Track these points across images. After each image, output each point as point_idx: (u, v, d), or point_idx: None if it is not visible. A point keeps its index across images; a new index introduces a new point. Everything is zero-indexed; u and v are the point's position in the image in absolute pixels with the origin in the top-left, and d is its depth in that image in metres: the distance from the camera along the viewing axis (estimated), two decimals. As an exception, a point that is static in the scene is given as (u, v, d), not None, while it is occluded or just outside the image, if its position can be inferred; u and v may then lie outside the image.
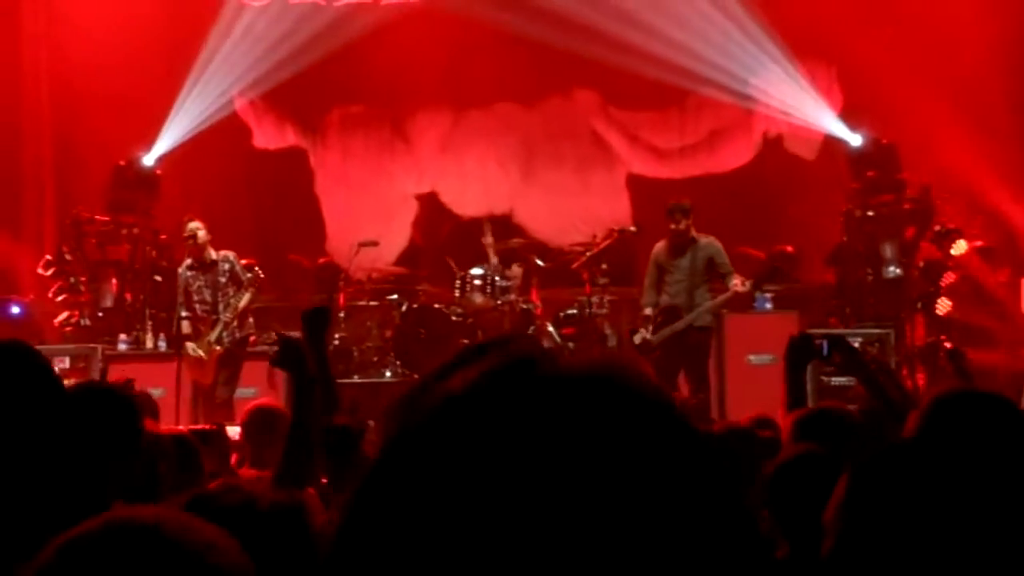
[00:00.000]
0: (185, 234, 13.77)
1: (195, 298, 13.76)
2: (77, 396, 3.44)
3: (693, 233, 13.54)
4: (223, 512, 2.05)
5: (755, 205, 17.75)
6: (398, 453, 1.09)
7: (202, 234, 13.72)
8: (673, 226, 13.52)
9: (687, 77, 17.60)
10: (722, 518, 1.07)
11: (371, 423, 6.74)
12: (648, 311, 13.66)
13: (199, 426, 7.67)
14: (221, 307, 13.69)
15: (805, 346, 5.83)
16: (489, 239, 16.08)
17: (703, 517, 1.06)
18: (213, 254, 13.79)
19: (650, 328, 13.51)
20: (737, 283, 13.23)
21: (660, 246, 13.74)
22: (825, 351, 5.78)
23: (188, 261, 13.85)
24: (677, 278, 13.48)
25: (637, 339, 13.59)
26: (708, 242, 13.56)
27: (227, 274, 13.75)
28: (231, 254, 13.95)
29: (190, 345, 13.73)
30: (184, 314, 13.83)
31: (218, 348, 13.63)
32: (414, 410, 1.10)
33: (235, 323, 13.71)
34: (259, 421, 7.36)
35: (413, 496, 1.05)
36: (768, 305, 15.25)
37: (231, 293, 13.71)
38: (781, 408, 5.90)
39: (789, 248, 16.93)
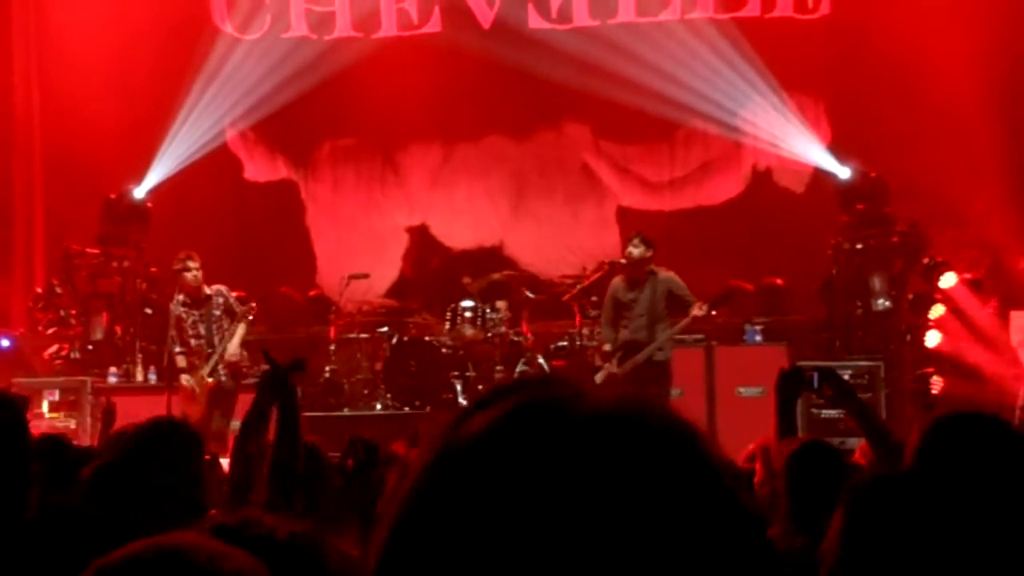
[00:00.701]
0: (177, 266, 13.70)
1: (189, 332, 13.69)
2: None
3: (652, 267, 13.41)
4: (243, 543, 2.06)
5: (744, 237, 17.78)
6: (423, 496, 1.09)
7: (195, 269, 13.61)
8: (629, 249, 13.42)
9: (677, 110, 17.66)
10: (749, 556, 1.08)
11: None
12: (607, 347, 13.58)
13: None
14: (217, 340, 13.64)
15: (796, 378, 5.85)
16: (467, 279, 16.13)
17: (730, 554, 1.06)
18: (207, 289, 13.74)
19: (614, 362, 13.40)
20: (695, 309, 13.15)
21: (617, 281, 13.56)
22: (816, 383, 5.79)
23: (180, 297, 13.73)
24: (638, 312, 13.30)
25: (599, 377, 13.46)
26: (667, 276, 13.41)
27: (221, 307, 13.71)
28: (223, 288, 13.91)
29: (184, 377, 13.67)
30: (178, 349, 13.75)
31: (210, 380, 13.58)
32: (438, 449, 1.11)
33: (230, 357, 13.63)
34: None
35: (439, 541, 1.06)
36: (758, 338, 15.28)
37: (225, 326, 13.68)
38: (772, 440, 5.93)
39: (779, 280, 16.97)
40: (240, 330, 13.65)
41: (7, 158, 18.72)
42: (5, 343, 16.34)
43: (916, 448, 3.39)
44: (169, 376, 13.93)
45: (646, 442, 1.08)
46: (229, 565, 1.59)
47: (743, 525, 1.08)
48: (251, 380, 14.29)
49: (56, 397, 14.59)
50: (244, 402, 13.90)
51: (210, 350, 13.65)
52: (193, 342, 13.69)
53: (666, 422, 1.11)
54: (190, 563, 1.57)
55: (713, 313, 13.31)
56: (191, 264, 13.58)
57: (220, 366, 13.59)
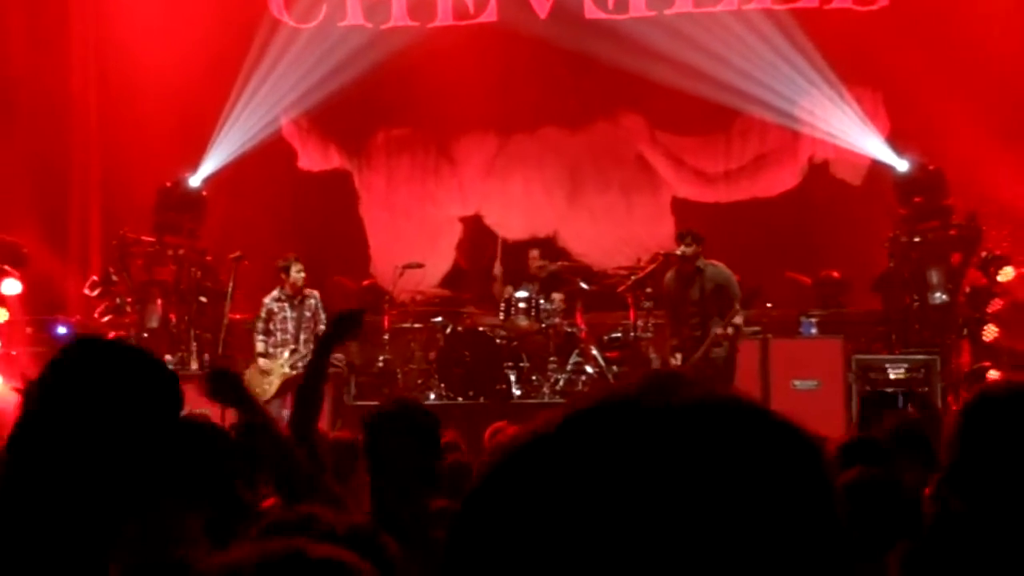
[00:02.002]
0: (282, 264, 14.14)
1: (279, 326, 14.18)
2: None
3: (700, 262, 13.30)
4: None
5: (801, 230, 17.67)
6: (493, 496, 1.08)
7: (301, 273, 14.17)
8: (682, 248, 13.34)
9: (733, 101, 17.59)
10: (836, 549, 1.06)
11: None
12: (674, 341, 13.52)
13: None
14: (302, 338, 14.03)
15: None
16: (535, 251, 16.15)
17: (820, 547, 1.05)
18: (304, 291, 14.24)
19: (678, 358, 13.34)
20: (719, 329, 13.03)
21: (669, 277, 13.53)
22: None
23: (276, 293, 14.23)
24: (691, 311, 13.27)
25: (676, 361, 13.48)
26: (715, 271, 13.29)
27: (312, 310, 14.18)
28: (316, 293, 14.41)
29: (263, 361, 14.06)
30: (261, 337, 14.21)
31: (290, 372, 13.78)
32: (504, 449, 1.10)
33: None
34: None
35: (508, 543, 1.05)
36: (813, 330, 15.19)
37: (311, 328, 14.09)
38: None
39: (835, 273, 16.84)
40: None
41: (65, 147, 18.86)
42: (62, 330, 16.46)
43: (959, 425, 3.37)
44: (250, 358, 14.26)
45: (732, 433, 1.07)
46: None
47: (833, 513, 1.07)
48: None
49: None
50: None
51: (294, 346, 14.04)
52: (279, 335, 14.13)
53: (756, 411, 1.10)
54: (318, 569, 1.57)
55: (739, 323, 13.15)
56: (298, 265, 14.15)
57: (300, 362, 13.81)
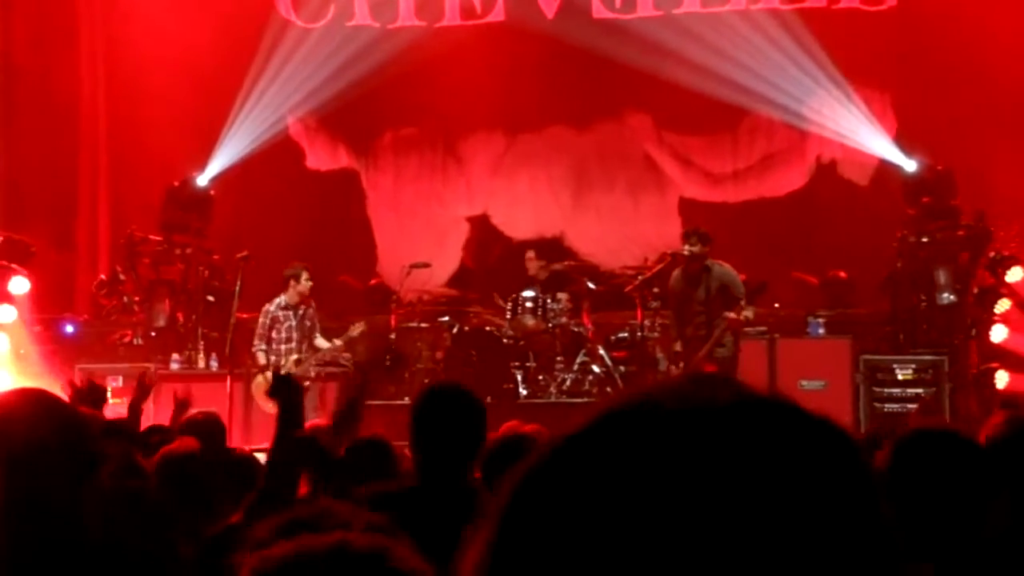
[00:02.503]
0: (289, 273, 14.16)
1: (282, 335, 14.15)
2: None
3: (707, 261, 13.25)
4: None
5: (808, 230, 17.65)
6: (525, 499, 1.07)
7: (309, 282, 14.19)
8: (687, 247, 13.31)
9: (741, 101, 17.57)
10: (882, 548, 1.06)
11: None
12: (678, 347, 13.48)
13: (260, 447, 7.66)
14: (304, 346, 14.11)
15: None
16: (530, 252, 16.13)
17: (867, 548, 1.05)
18: (308, 301, 14.28)
19: (680, 365, 13.30)
20: (731, 313, 12.97)
21: (676, 276, 13.46)
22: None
23: (280, 301, 14.19)
24: (696, 310, 13.23)
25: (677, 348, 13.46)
26: (722, 271, 13.23)
27: (311, 318, 14.22)
28: (312, 302, 14.38)
29: (261, 377, 13.97)
30: (263, 346, 14.17)
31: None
32: (540, 450, 1.09)
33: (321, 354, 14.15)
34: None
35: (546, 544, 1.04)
36: (821, 331, 15.17)
37: (310, 336, 14.19)
38: None
39: (843, 273, 16.83)
40: (350, 335, 14.31)
41: (73, 146, 18.89)
42: (70, 329, 16.48)
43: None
44: (231, 364, 14.14)
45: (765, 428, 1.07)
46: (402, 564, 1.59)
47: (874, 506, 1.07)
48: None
49: (120, 383, 14.67)
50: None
51: (297, 355, 14.08)
52: (283, 346, 14.12)
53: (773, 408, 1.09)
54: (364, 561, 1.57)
55: (750, 316, 13.11)
56: (307, 273, 14.18)
57: (310, 365, 13.87)
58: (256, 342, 14.30)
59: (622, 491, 1.02)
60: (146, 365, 15.04)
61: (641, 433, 1.04)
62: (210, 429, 7.47)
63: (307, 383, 13.83)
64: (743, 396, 1.09)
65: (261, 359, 14.14)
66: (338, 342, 14.28)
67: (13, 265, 15.83)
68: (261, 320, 14.32)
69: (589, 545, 1.01)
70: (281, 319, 14.16)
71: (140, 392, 7.63)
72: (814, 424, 1.10)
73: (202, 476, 5.30)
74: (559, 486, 1.05)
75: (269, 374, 13.84)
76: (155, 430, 7.18)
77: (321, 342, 14.23)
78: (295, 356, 14.08)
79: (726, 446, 1.03)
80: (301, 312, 14.18)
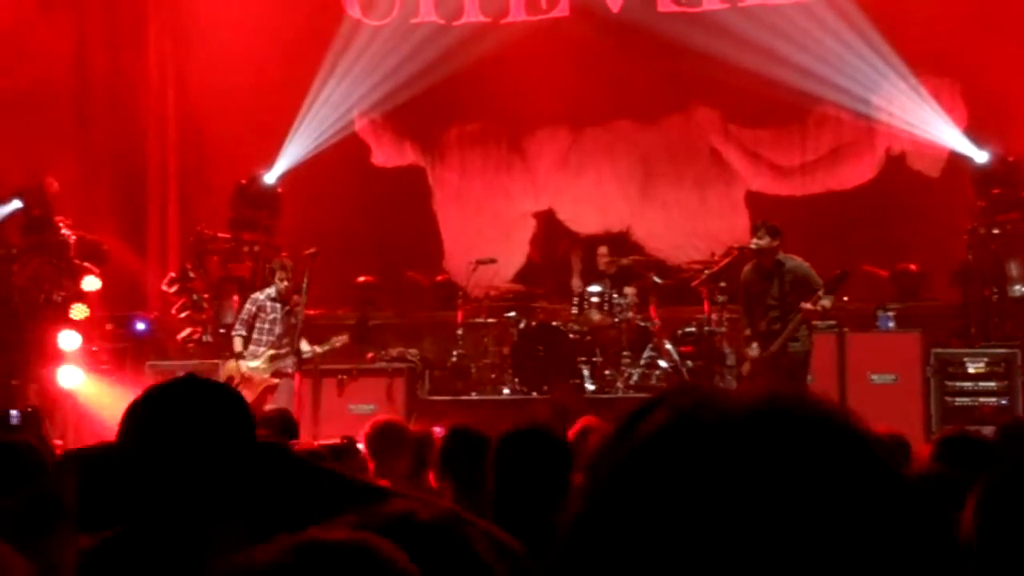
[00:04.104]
0: (279, 273, 14.04)
1: (266, 326, 14.01)
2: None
3: (780, 256, 13.12)
4: (384, 527, 2.04)
5: (878, 223, 17.50)
6: (595, 510, 1.09)
7: (283, 283, 14.02)
8: (755, 241, 13.20)
9: (808, 94, 17.44)
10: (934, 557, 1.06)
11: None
12: (748, 332, 13.36)
13: (330, 441, 7.68)
14: (284, 342, 13.92)
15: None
16: (603, 248, 16.11)
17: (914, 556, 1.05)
18: (295, 296, 14.07)
19: (755, 347, 13.15)
20: (808, 304, 12.81)
21: (748, 270, 13.26)
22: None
23: (271, 292, 14.08)
24: (770, 304, 13.08)
25: (744, 368, 13.35)
26: (795, 264, 13.06)
27: (297, 316, 13.96)
28: (301, 302, 14.13)
29: (243, 363, 13.92)
30: (243, 333, 14.09)
31: (273, 381, 13.88)
32: (606, 462, 1.10)
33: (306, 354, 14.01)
34: (382, 436, 7.40)
35: (619, 539, 1.05)
36: (891, 324, 15.03)
37: (294, 333, 13.93)
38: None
39: (913, 266, 16.68)
40: (332, 345, 14.15)
41: (142, 145, 19.07)
42: (140, 326, 16.64)
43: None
44: (300, 360, 14.15)
45: (806, 435, 1.07)
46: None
47: (918, 510, 1.07)
48: (376, 366, 14.65)
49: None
50: (367, 386, 14.44)
51: (275, 351, 13.91)
52: (265, 336, 13.98)
53: (824, 414, 1.10)
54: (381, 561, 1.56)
55: (827, 305, 12.95)
56: (284, 274, 13.99)
57: (281, 364, 13.83)
58: (237, 327, 14.24)
59: (677, 497, 1.04)
60: (215, 362, 15.16)
61: (695, 441, 1.06)
62: (282, 425, 7.50)
63: (278, 380, 13.88)
64: (768, 402, 1.09)
65: (237, 345, 14.07)
66: (319, 349, 14.07)
67: (85, 264, 16.01)
68: (247, 307, 14.26)
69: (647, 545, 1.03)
70: (268, 309, 14.01)
71: None
72: (836, 434, 1.09)
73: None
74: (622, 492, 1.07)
75: (240, 363, 13.89)
76: None
77: (304, 345, 13.93)
78: (273, 350, 13.90)
79: (750, 456, 1.04)
80: (288, 308, 14.01)
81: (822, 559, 1.01)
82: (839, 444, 1.08)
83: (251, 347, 14.00)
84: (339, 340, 14.31)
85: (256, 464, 2.91)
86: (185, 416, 2.90)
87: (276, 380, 13.86)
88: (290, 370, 13.87)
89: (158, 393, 3.00)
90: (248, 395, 13.33)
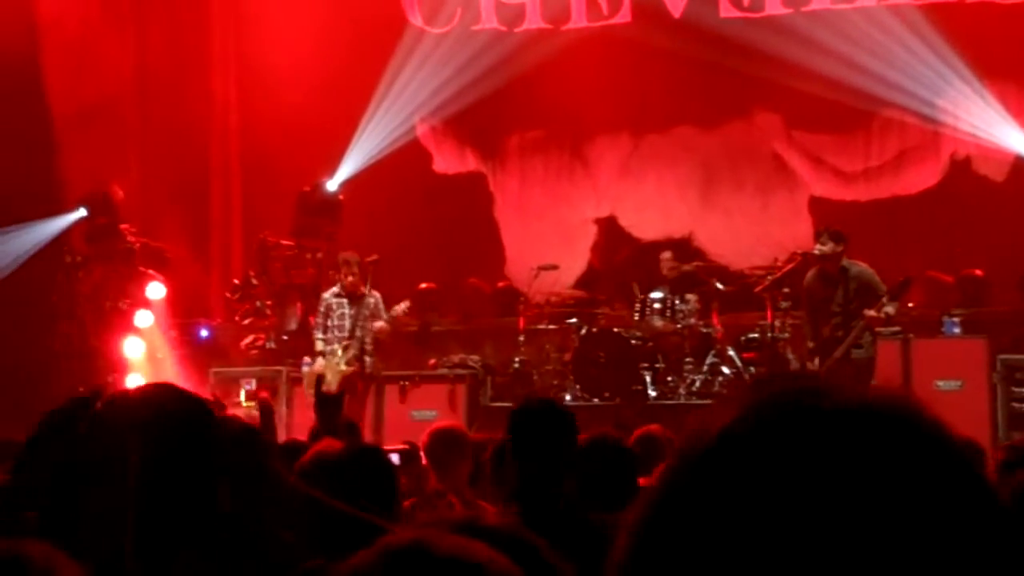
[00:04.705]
0: (342, 267, 14.14)
1: (335, 323, 14.12)
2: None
3: (845, 261, 13.03)
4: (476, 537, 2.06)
5: (943, 228, 17.35)
6: (679, 495, 1.08)
7: (358, 269, 14.12)
8: (818, 247, 13.11)
9: (872, 99, 17.32)
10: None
11: None
12: (810, 344, 13.27)
13: (395, 447, 7.68)
14: (359, 334, 13.99)
15: None
16: (667, 253, 16.04)
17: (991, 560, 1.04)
18: (363, 289, 14.06)
19: (816, 360, 13.08)
20: (871, 311, 12.70)
21: (811, 277, 13.20)
22: None
23: (336, 289, 14.24)
24: (833, 311, 12.99)
25: (813, 366, 13.24)
26: (859, 270, 12.98)
27: (370, 307, 14.07)
28: (378, 294, 14.29)
29: (320, 361, 14.05)
30: (320, 335, 14.23)
31: (347, 369, 13.85)
32: (694, 447, 1.10)
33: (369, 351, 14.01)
34: (442, 442, 7.40)
35: (696, 537, 1.05)
36: (956, 330, 14.88)
37: (368, 327, 14.03)
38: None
39: (978, 272, 16.50)
40: (396, 313, 14.21)
41: (206, 154, 19.22)
42: (204, 333, 16.77)
43: None
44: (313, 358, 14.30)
45: (901, 435, 1.07)
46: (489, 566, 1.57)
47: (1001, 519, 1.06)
48: (437, 372, 14.67)
49: (253, 386, 14.91)
50: (429, 392, 14.45)
51: (347, 343, 13.98)
52: (336, 332, 14.08)
53: (918, 416, 1.10)
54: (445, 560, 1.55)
55: (891, 312, 12.84)
56: (348, 257, 14.15)
57: (355, 357, 13.85)
58: (315, 329, 14.42)
59: (765, 491, 1.03)
60: (278, 368, 15.26)
61: (792, 435, 1.06)
62: (345, 431, 7.50)
63: (353, 368, 13.93)
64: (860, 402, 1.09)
65: (318, 345, 14.23)
66: (383, 323, 14.07)
67: (150, 271, 16.16)
68: (320, 308, 14.41)
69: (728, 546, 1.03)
70: (335, 307, 14.13)
71: (266, 418, 7.66)
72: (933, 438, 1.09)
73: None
74: (698, 489, 1.07)
75: (322, 361, 13.96)
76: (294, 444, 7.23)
77: (375, 323, 14.07)
78: (346, 343, 13.98)
79: (828, 449, 1.04)
80: (360, 301, 14.08)
81: (910, 562, 1.01)
82: (931, 448, 1.07)
83: (329, 345, 14.10)
84: (402, 307, 14.32)
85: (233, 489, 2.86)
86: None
87: (349, 368, 13.90)
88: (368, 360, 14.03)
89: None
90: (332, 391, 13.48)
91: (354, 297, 14.09)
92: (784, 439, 1.05)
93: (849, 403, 1.08)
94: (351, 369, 13.93)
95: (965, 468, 1.07)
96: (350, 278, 14.04)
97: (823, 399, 1.08)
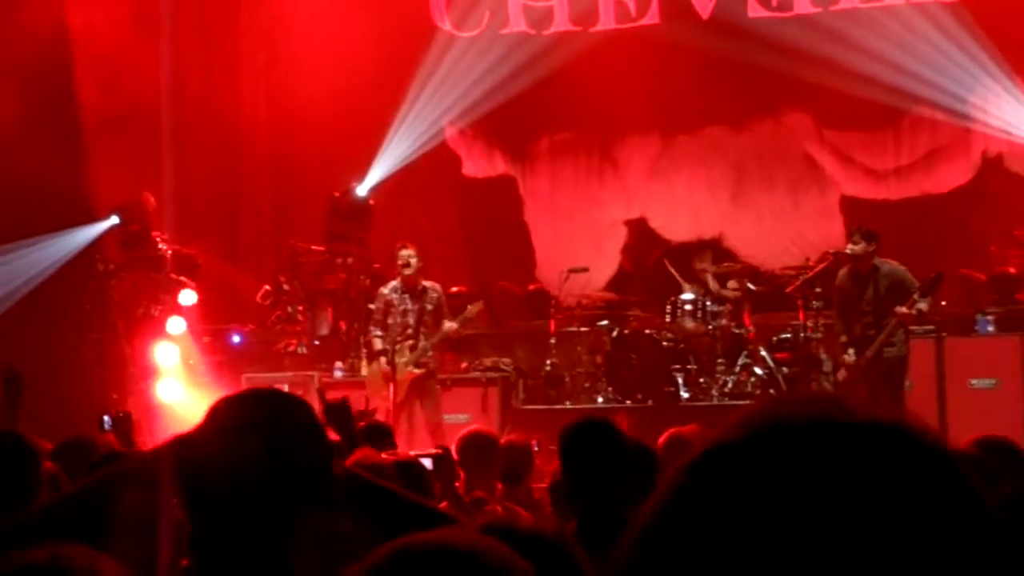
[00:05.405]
0: (399, 261, 13.97)
1: (398, 320, 13.89)
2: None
3: (875, 261, 13.02)
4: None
5: (975, 226, 17.28)
6: (671, 503, 1.09)
7: (415, 262, 13.90)
8: (850, 246, 13.08)
9: (902, 97, 17.25)
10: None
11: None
12: (844, 338, 13.24)
13: (427, 451, 7.70)
14: (423, 333, 13.83)
15: None
16: (705, 264, 15.99)
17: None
18: (424, 282, 13.96)
19: (851, 354, 13.06)
20: (903, 307, 12.68)
21: (843, 275, 13.23)
22: None
23: (395, 284, 14.05)
24: (864, 310, 12.98)
25: (840, 375, 13.24)
26: (891, 269, 12.99)
27: (434, 302, 13.91)
28: (438, 285, 14.13)
29: (383, 360, 13.78)
30: (378, 332, 14.01)
31: (415, 371, 13.75)
32: (691, 460, 1.11)
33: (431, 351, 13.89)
34: (473, 446, 7.40)
35: (695, 546, 1.06)
36: (990, 328, 14.82)
37: (430, 323, 13.86)
38: None
39: (1011, 269, 16.42)
40: (467, 315, 13.99)
41: (237, 160, 19.29)
42: (236, 339, 16.83)
43: None
44: (370, 358, 14.13)
45: (901, 456, 1.07)
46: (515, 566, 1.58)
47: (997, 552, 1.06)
48: (470, 376, 14.67)
49: (286, 390, 14.93)
50: (461, 396, 14.43)
51: (411, 341, 13.81)
52: (398, 330, 13.86)
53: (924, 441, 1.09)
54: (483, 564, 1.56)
55: (924, 309, 12.80)
56: (405, 253, 13.88)
57: (427, 355, 13.78)
58: (371, 327, 14.16)
59: (763, 504, 1.04)
60: (310, 373, 15.28)
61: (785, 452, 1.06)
62: (379, 437, 7.51)
63: (422, 371, 13.70)
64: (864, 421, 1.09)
65: (377, 344, 13.92)
66: (455, 324, 13.88)
67: (182, 278, 16.21)
68: (376, 304, 14.20)
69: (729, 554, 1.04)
70: (395, 303, 13.89)
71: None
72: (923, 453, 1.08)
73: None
74: (701, 500, 1.07)
75: (383, 361, 13.79)
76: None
77: (445, 324, 13.83)
78: (411, 342, 13.74)
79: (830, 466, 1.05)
80: (419, 293, 13.88)
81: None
82: (925, 465, 1.07)
83: (387, 344, 13.79)
84: (474, 308, 14.21)
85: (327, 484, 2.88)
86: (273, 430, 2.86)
87: (420, 370, 13.82)
88: (429, 354, 13.85)
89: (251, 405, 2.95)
90: (400, 393, 13.42)
91: (414, 292, 13.91)
92: (773, 451, 1.06)
93: (845, 417, 1.08)
94: (421, 371, 13.83)
95: (955, 480, 1.06)
96: (407, 271, 13.86)
97: (821, 414, 1.09)
